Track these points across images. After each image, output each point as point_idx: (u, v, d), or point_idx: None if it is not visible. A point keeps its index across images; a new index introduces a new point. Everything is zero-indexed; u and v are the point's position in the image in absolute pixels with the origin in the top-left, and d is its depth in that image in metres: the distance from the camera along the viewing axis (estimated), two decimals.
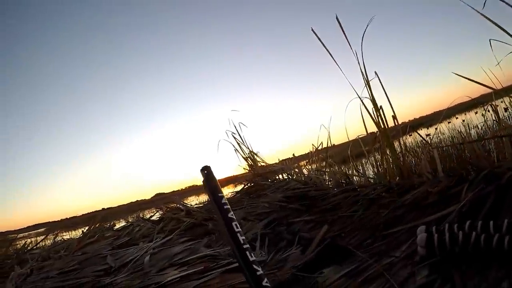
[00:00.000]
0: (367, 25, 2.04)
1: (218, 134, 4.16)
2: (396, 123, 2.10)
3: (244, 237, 0.57)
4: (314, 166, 3.27)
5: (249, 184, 3.40)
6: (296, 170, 3.22)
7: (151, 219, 3.04)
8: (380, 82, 2.05)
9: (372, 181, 2.28)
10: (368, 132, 2.32)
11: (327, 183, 2.60)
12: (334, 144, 3.21)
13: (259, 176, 3.28)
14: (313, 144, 3.67)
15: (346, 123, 2.54)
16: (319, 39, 2.12)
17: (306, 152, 3.85)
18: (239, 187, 3.95)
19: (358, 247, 1.31)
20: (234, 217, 0.58)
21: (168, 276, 1.34)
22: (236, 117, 4.78)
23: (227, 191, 4.93)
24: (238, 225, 0.58)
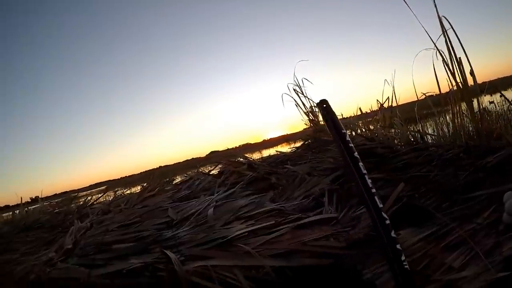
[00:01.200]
0: None
1: (282, 88, 3.95)
2: (475, 81, 1.85)
3: (371, 180, 0.53)
4: (380, 124, 3.00)
5: (310, 140, 3.18)
6: (361, 125, 2.96)
7: (211, 173, 2.98)
8: (454, 32, 1.80)
9: (446, 141, 2.08)
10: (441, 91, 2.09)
11: (395, 141, 2.40)
12: (398, 104, 2.94)
13: (320, 132, 3.03)
14: (377, 100, 3.33)
15: (414, 79, 2.26)
16: None
17: (372, 110, 3.56)
18: (297, 144, 3.77)
19: (436, 209, 1.18)
20: (359, 157, 0.54)
21: (236, 230, 1.23)
22: (301, 71, 4.51)
23: (285, 149, 4.79)
24: (364, 166, 0.53)
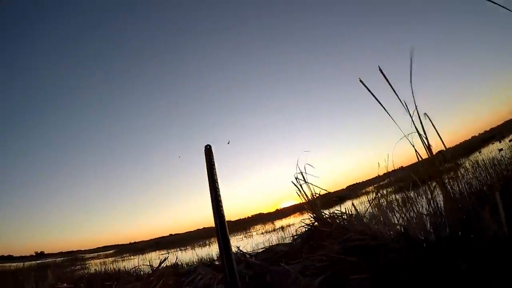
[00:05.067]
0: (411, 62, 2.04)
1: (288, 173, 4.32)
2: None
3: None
4: (374, 209, 3.16)
5: (309, 228, 3.36)
6: (354, 212, 3.14)
7: (215, 263, 3.13)
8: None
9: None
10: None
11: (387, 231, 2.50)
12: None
13: (320, 221, 3.23)
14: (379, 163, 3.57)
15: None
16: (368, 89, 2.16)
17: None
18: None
19: None
20: (219, 187, 0.59)
21: None
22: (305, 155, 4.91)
23: (293, 220, 4.96)
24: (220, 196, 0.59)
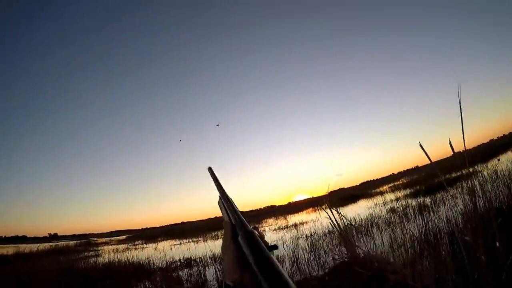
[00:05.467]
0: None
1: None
2: None
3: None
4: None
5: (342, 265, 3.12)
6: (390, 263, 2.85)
7: None
8: None
9: None
10: None
11: None
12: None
13: (356, 264, 2.96)
14: None
15: None
16: None
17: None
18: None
19: None
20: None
21: None
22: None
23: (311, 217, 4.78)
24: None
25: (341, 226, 3.63)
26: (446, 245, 2.65)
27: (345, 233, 3.50)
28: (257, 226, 0.66)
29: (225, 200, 0.64)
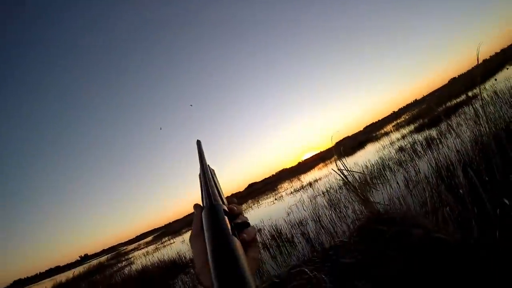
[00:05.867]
0: None
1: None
2: None
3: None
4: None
5: (363, 226, 3.10)
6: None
7: None
8: None
9: None
10: None
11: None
12: None
13: (378, 221, 2.93)
14: None
15: None
16: None
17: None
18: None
19: None
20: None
21: None
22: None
23: (322, 173, 4.80)
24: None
25: (355, 185, 3.58)
26: (461, 177, 2.58)
27: (361, 192, 3.44)
28: (234, 199, 0.50)
29: (202, 173, 0.55)
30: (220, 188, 0.53)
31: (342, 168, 3.87)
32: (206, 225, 0.39)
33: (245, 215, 0.46)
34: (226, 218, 0.40)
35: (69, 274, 18.57)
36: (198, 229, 0.44)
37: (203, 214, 0.42)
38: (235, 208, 0.45)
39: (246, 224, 0.44)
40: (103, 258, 28.56)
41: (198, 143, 0.67)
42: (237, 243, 0.35)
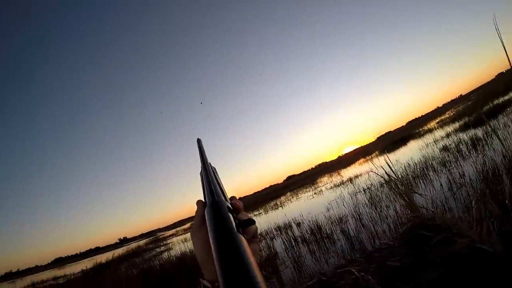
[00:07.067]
0: None
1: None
2: None
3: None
4: None
5: (410, 229, 3.20)
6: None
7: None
8: None
9: None
10: None
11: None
12: None
13: (422, 226, 3.05)
14: None
15: None
16: None
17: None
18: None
19: None
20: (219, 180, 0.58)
21: None
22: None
23: (364, 168, 4.83)
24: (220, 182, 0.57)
25: (398, 184, 3.60)
26: (507, 186, 2.57)
27: (406, 195, 3.46)
28: (235, 196, 0.52)
29: (204, 171, 0.56)
30: (222, 186, 0.54)
31: (384, 165, 3.85)
32: (210, 221, 0.39)
33: (248, 213, 0.47)
34: (230, 214, 0.40)
35: (109, 255, 19.75)
36: (198, 223, 0.47)
37: (206, 210, 0.42)
38: (238, 204, 0.46)
39: (249, 220, 0.44)
40: (141, 242, 29.59)
41: (199, 141, 0.70)
42: (243, 240, 0.34)
